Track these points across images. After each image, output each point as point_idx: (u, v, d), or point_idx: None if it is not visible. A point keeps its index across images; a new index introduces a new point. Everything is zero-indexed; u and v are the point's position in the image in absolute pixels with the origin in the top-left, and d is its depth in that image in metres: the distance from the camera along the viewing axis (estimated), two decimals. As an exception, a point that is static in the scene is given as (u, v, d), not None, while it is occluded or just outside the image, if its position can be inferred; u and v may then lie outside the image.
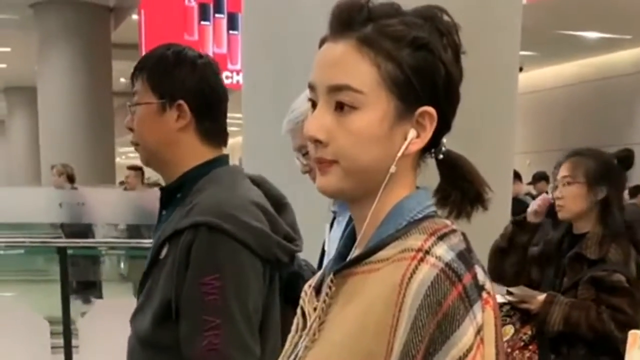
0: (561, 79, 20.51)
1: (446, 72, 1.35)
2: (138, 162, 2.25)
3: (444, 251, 1.27)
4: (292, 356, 1.41)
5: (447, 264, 1.25)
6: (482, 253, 4.38)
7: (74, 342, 5.32)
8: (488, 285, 1.29)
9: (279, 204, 2.29)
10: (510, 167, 4.93)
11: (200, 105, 2.18)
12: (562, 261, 3.53)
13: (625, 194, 9.80)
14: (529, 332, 3.46)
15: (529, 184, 12.70)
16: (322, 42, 1.39)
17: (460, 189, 1.41)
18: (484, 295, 1.27)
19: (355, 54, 1.32)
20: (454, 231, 1.33)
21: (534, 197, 11.66)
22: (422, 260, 1.26)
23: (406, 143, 1.34)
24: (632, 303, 3.37)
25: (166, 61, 2.19)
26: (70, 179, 10.42)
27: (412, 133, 1.34)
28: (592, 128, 18.61)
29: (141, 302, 2.17)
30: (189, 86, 2.17)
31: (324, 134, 1.33)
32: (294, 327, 1.46)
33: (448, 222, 1.36)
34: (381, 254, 1.32)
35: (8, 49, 19.65)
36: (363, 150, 1.32)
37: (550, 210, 3.66)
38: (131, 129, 2.24)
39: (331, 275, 1.37)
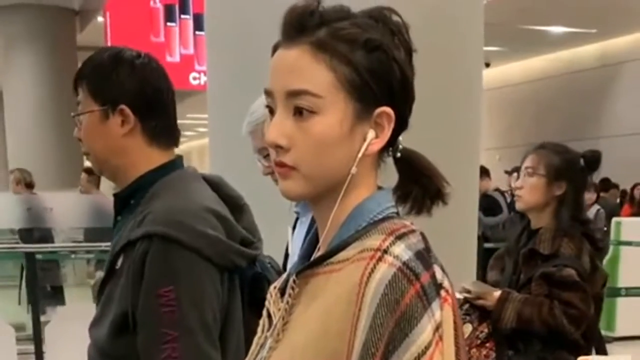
0: (528, 74, 20.63)
1: (400, 71, 1.37)
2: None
3: (401, 250, 1.29)
4: (258, 357, 1.43)
5: (404, 263, 1.27)
6: (450, 249, 4.37)
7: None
8: (447, 283, 1.32)
9: (237, 205, 2.25)
10: (477, 163, 4.92)
11: (143, 107, 2.13)
12: (519, 256, 3.54)
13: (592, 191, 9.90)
14: (486, 330, 3.46)
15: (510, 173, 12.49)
16: (275, 48, 1.39)
17: (419, 185, 1.43)
18: (443, 293, 1.30)
19: (310, 59, 1.34)
20: (412, 231, 1.35)
21: (502, 193, 11.77)
22: (380, 259, 1.28)
23: (366, 144, 1.36)
24: (584, 297, 3.38)
25: (103, 66, 2.14)
26: (29, 185, 10.25)
27: (371, 134, 1.36)
28: (561, 122, 18.76)
29: (99, 312, 2.13)
30: (129, 89, 2.11)
31: (285, 139, 1.35)
32: (259, 329, 1.47)
33: (407, 222, 1.38)
34: (342, 255, 1.34)
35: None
36: (324, 154, 1.34)
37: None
38: (80, 139, 2.20)
39: (293, 276, 1.40)
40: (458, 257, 4.55)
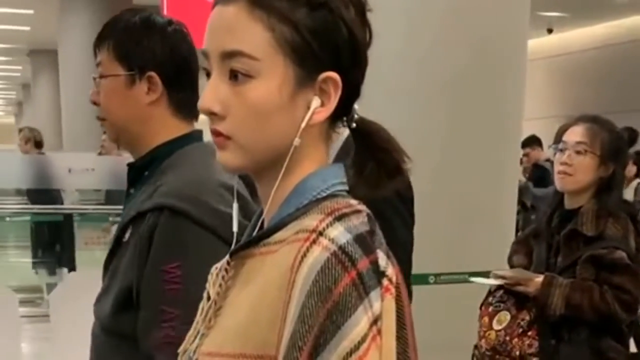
0: (590, 41, 20.16)
1: (349, 32, 1.25)
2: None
3: (339, 233, 1.18)
4: (194, 342, 1.34)
5: (340, 247, 1.17)
6: (488, 223, 4.31)
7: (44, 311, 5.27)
8: (390, 271, 1.21)
9: (254, 185, 2.12)
10: (519, 133, 4.78)
11: (172, 76, 2.05)
12: (554, 238, 3.33)
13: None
14: (527, 317, 3.27)
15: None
16: (215, 4, 1.26)
17: (375, 159, 1.31)
18: (385, 282, 1.19)
19: (246, 17, 1.23)
20: (357, 212, 1.24)
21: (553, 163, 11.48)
22: (314, 242, 1.18)
23: (309, 112, 1.25)
24: (635, 281, 3.19)
25: (134, 29, 2.05)
26: (38, 144, 10.16)
27: (315, 101, 1.25)
28: (620, 91, 18.32)
29: (104, 287, 2.04)
30: (159, 56, 2.04)
31: (219, 105, 1.25)
32: (198, 312, 1.35)
33: (353, 201, 1.27)
34: (279, 235, 1.25)
35: (31, 11, 19.55)
36: (261, 123, 1.25)
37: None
38: (96, 103, 2.09)
39: (227, 257, 1.32)
40: (496, 231, 4.42)
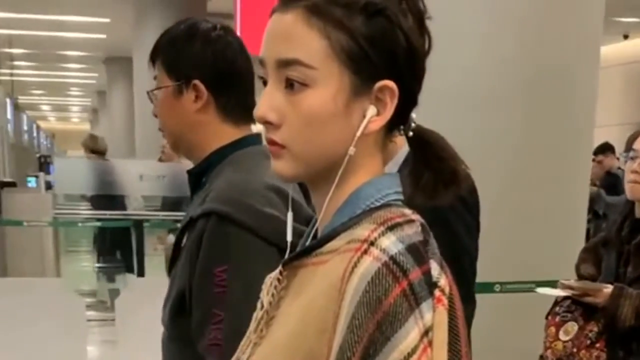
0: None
1: (407, 40, 1.23)
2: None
3: (390, 243, 1.16)
4: (246, 352, 1.33)
5: (391, 257, 1.14)
6: (558, 226, 4.24)
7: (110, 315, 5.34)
8: (443, 282, 1.18)
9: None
10: (590, 140, 4.71)
11: (217, 81, 2.08)
12: (624, 248, 3.25)
13: None
14: (595, 329, 3.20)
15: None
16: (272, 12, 1.25)
17: (432, 169, 1.30)
18: (437, 293, 1.16)
19: (303, 25, 1.22)
20: (410, 221, 1.22)
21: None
22: (365, 252, 1.16)
23: (365, 121, 1.23)
24: None
25: (177, 40, 2.09)
26: (94, 151, 10.19)
27: (371, 110, 1.24)
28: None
29: (166, 294, 2.09)
30: (202, 63, 2.07)
31: (275, 114, 1.24)
32: (252, 322, 1.34)
33: (407, 210, 1.25)
34: (331, 245, 1.24)
35: (107, 20, 19.84)
36: (315, 132, 1.23)
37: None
38: (156, 115, 2.16)
39: (280, 267, 1.31)
40: (566, 239, 4.35)
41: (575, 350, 3.20)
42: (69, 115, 54.15)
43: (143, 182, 8.57)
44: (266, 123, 1.25)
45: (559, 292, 3.37)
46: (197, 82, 2.07)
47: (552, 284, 3.57)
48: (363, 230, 1.19)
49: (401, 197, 1.28)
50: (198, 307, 1.93)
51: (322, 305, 1.18)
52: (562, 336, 3.25)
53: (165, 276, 2.17)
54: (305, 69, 1.21)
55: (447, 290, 1.18)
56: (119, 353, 5.02)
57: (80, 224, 8.98)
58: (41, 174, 9.40)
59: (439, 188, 1.29)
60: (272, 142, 1.26)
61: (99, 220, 8.92)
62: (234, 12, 14.13)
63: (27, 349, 4.66)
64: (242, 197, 1.94)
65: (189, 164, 2.22)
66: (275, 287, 1.30)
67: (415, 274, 1.14)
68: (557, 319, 3.31)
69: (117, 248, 9.33)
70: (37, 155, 18.91)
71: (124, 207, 9.38)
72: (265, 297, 1.33)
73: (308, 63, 1.21)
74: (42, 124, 37.89)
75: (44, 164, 12.81)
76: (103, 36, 22.04)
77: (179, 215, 9.27)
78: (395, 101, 1.23)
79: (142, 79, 16.46)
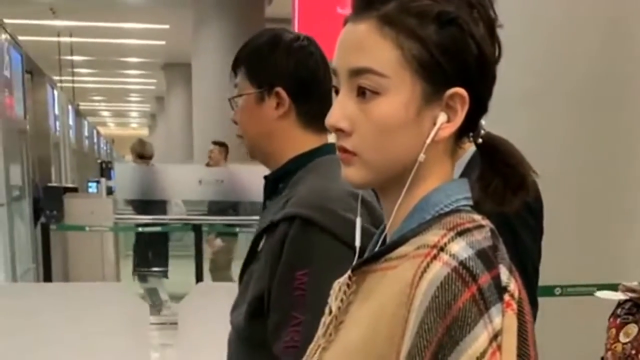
0: None
1: (478, 48, 1.25)
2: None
3: (460, 248, 1.17)
4: (315, 356, 1.36)
5: (461, 262, 1.15)
6: (619, 227, 4.19)
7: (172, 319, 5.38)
8: (513, 286, 1.19)
9: None
10: None
11: (299, 89, 2.13)
12: None
13: None
14: None
15: None
16: (345, 22, 1.28)
17: (501, 175, 1.31)
18: (506, 297, 1.17)
19: (376, 34, 1.24)
20: (480, 227, 1.23)
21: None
22: (435, 257, 1.17)
23: (435, 128, 1.25)
24: None
25: (261, 49, 2.15)
26: (142, 156, 10.23)
27: (442, 117, 1.25)
28: None
29: (239, 295, 2.14)
30: (285, 71, 2.13)
31: (347, 122, 1.27)
32: (320, 326, 1.38)
33: (477, 216, 1.26)
34: (400, 250, 1.25)
35: (167, 26, 20.00)
36: (387, 140, 1.25)
37: None
38: (235, 122, 2.21)
39: (349, 272, 1.33)
40: (627, 241, 4.30)
41: (634, 352, 3.17)
42: (127, 121, 54.68)
43: (201, 187, 8.63)
44: (338, 131, 1.28)
45: (619, 296, 3.34)
46: (279, 89, 2.12)
47: (613, 286, 3.54)
48: (432, 236, 1.20)
49: (470, 202, 1.29)
50: (276, 309, 1.96)
51: (392, 311, 1.19)
52: (622, 338, 3.22)
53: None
54: (378, 77, 1.23)
55: (516, 294, 1.18)
56: (180, 357, 5.06)
57: (140, 229, 9.05)
58: (102, 180, 9.50)
59: (508, 194, 1.30)
60: (343, 150, 1.28)
61: (159, 225, 9.00)
62: (291, 17, 14.20)
63: (91, 354, 4.73)
64: (325, 202, 1.97)
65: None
66: (345, 292, 1.32)
67: (484, 279, 1.15)
68: (618, 321, 3.28)
69: (152, 253, 9.39)
70: (98, 160, 19.12)
71: (164, 212, 9.49)
72: (334, 302, 1.35)
73: (380, 71, 1.23)
74: (101, 129, 38.26)
75: (105, 170, 12.97)
76: (162, 42, 22.24)
77: (235, 219, 9.35)
78: (466, 108, 1.25)
79: (200, 84, 16.62)
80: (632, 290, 3.23)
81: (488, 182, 1.31)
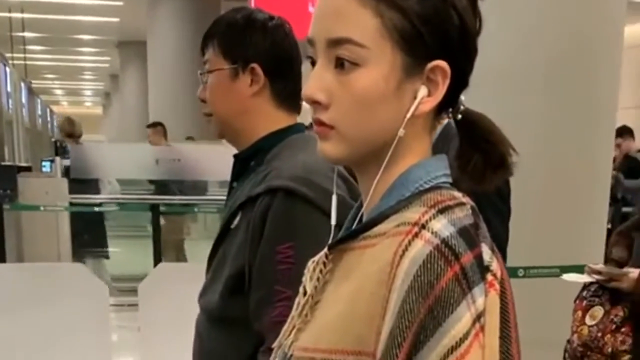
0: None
1: (460, 20, 1.21)
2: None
3: (442, 226, 1.13)
4: (290, 337, 1.31)
5: (443, 240, 1.11)
6: (580, 210, 4.21)
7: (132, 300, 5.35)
8: (495, 266, 1.15)
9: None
10: (613, 124, 4.67)
11: (274, 67, 2.11)
12: None
13: None
14: (621, 313, 3.18)
15: None
16: None
17: (481, 151, 1.27)
18: (489, 277, 1.13)
19: (355, 3, 1.19)
20: (461, 204, 1.19)
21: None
22: (416, 235, 1.13)
23: (416, 102, 1.21)
24: None
25: (236, 26, 2.12)
26: (71, 135, 10.13)
27: (422, 91, 1.21)
28: None
29: (210, 277, 2.10)
30: (261, 48, 2.11)
31: (324, 94, 1.21)
32: (294, 307, 1.33)
33: (457, 193, 1.22)
34: (379, 228, 1.21)
35: (120, 3, 19.83)
36: (365, 113, 1.20)
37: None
38: (203, 100, 2.17)
39: (326, 250, 1.29)
40: (588, 224, 4.32)
41: (600, 334, 3.18)
42: (81, 100, 54.23)
43: (159, 166, 8.55)
44: (315, 103, 1.22)
45: (585, 278, 3.35)
46: (255, 65, 2.09)
47: (575, 268, 3.55)
48: (413, 213, 1.16)
49: (450, 179, 1.26)
50: (260, 284, 1.93)
51: (371, 289, 1.15)
52: (588, 321, 3.23)
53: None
54: (357, 47, 1.18)
55: (498, 274, 1.15)
56: (141, 338, 5.01)
57: (96, 209, 8.96)
58: (57, 159, 9.35)
59: (488, 172, 1.26)
60: (320, 123, 1.23)
61: (117, 204, 8.92)
62: (248, -2, 14.11)
63: (49, 336, 4.66)
64: (308, 175, 1.95)
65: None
66: (321, 271, 1.28)
67: (467, 258, 1.11)
68: (584, 303, 3.29)
69: (87, 233, 9.30)
70: (52, 139, 18.88)
71: (98, 192, 9.39)
72: (309, 281, 1.31)
73: (360, 42, 1.18)
74: (55, 108, 37.91)
75: (60, 149, 12.81)
76: (116, 19, 22.02)
77: (195, 199, 9.29)
78: (447, 82, 1.21)
79: (156, 63, 16.49)
80: (598, 272, 3.24)
81: (467, 159, 1.27)
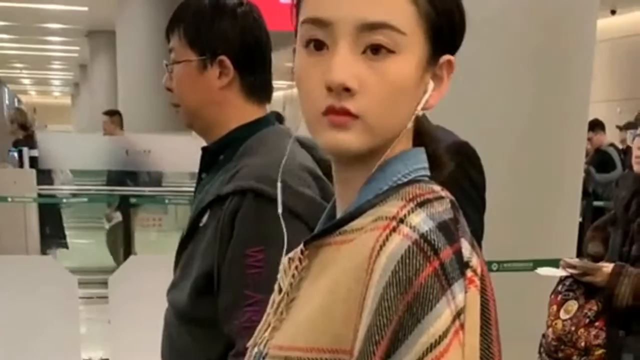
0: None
1: (460, 15, 1.21)
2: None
3: (421, 220, 1.10)
4: (265, 335, 1.27)
5: (422, 235, 1.08)
6: (553, 204, 4.20)
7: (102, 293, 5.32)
8: (475, 261, 1.12)
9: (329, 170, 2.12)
10: (585, 118, 4.67)
11: (244, 59, 2.04)
12: (630, 226, 3.22)
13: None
14: (595, 308, 3.17)
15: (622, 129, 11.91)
16: None
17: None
18: (469, 273, 1.11)
19: None
20: (440, 198, 1.16)
21: (617, 148, 11.23)
22: (394, 230, 1.10)
23: (426, 95, 1.19)
24: None
25: (204, 13, 2.04)
26: (23, 126, 10.06)
27: (431, 85, 1.19)
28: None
29: (179, 274, 2.05)
30: (231, 39, 2.03)
31: (355, 81, 1.13)
32: (269, 305, 1.30)
33: (436, 187, 1.19)
34: (356, 223, 1.18)
35: (89, -8, 19.70)
36: (396, 103, 1.16)
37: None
38: (170, 89, 2.09)
39: (301, 246, 1.25)
40: (561, 218, 4.31)
41: (574, 328, 3.18)
42: (50, 89, 53.89)
43: (129, 157, 8.49)
44: (344, 90, 1.13)
45: (560, 272, 3.34)
46: (223, 57, 2.03)
47: (549, 262, 3.54)
48: (391, 207, 1.13)
49: (428, 172, 1.23)
50: (229, 288, 1.90)
51: (348, 286, 1.12)
52: (563, 315, 3.23)
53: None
54: (396, 33, 1.12)
55: (478, 270, 1.12)
56: (111, 331, 4.97)
57: (65, 200, 8.88)
58: (25, 149, 9.25)
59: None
60: (343, 112, 1.14)
61: (85, 196, 8.84)
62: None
63: (18, 329, 4.62)
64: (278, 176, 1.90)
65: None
66: (297, 268, 1.25)
67: (446, 253, 1.08)
68: (559, 297, 3.28)
69: (46, 224, 9.25)
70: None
71: (51, 182, 9.31)
72: (284, 279, 1.27)
73: (399, 28, 1.12)
74: (23, 98, 37.70)
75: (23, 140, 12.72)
76: (85, 9, 21.83)
77: (166, 192, 9.23)
78: (451, 77, 1.20)
79: (125, 52, 16.38)
80: (573, 267, 3.23)
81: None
